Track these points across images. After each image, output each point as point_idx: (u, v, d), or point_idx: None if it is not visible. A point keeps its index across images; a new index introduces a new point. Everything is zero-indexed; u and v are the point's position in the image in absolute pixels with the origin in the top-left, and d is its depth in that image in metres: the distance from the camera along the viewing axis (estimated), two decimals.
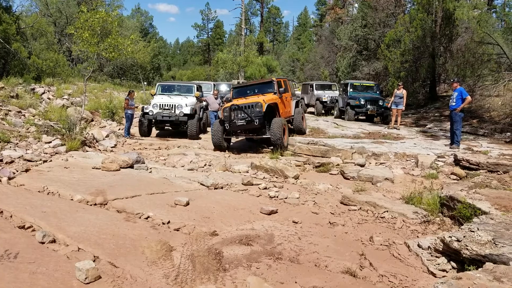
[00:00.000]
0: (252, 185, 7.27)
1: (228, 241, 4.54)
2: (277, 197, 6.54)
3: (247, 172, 8.51)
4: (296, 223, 5.31)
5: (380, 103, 17.19)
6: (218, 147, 11.07)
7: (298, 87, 29.57)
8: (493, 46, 15.79)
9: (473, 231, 3.99)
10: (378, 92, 18.57)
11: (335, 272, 3.91)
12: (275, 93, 11.75)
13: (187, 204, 5.75)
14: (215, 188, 7.00)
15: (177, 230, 4.84)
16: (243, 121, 10.70)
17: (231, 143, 11.95)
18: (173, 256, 4.09)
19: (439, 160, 8.88)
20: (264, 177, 8.05)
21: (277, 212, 5.73)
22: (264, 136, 10.74)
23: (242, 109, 10.73)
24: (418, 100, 21.82)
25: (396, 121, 14.91)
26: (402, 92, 14.39)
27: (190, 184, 7.16)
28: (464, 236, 3.94)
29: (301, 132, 12.92)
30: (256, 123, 10.55)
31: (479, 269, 3.31)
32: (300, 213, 5.77)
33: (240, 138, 11.94)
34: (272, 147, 10.55)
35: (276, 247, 4.45)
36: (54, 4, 32.34)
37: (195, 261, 3.99)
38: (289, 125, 12.49)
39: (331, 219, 5.51)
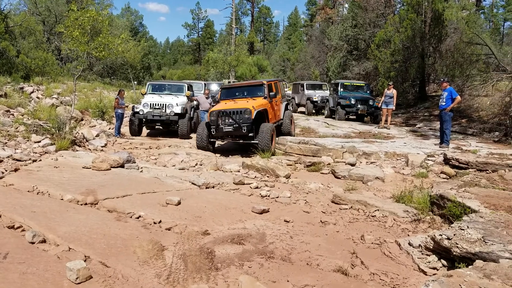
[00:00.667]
0: (244, 184, 7.27)
1: (220, 240, 4.54)
2: (268, 196, 6.54)
3: (239, 171, 8.50)
4: (288, 222, 5.32)
5: (371, 102, 17.30)
6: (202, 149, 10.90)
7: (288, 87, 29.68)
8: (482, 46, 15.93)
9: (463, 229, 4.03)
10: (368, 91, 18.67)
11: (327, 271, 3.93)
12: (265, 98, 11.38)
13: (179, 203, 5.73)
14: (206, 188, 6.98)
15: (169, 230, 4.82)
16: (230, 127, 10.33)
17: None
18: (165, 256, 4.07)
19: (429, 159, 8.95)
20: (255, 177, 8.05)
21: (268, 211, 5.73)
22: (251, 141, 10.41)
23: (230, 115, 10.35)
24: (408, 99, 22.01)
25: (386, 120, 15.00)
26: (392, 91, 14.48)
27: (182, 183, 7.13)
28: (454, 234, 3.98)
29: (289, 135, 12.77)
30: (244, 130, 10.22)
31: (469, 266, 3.34)
32: (291, 212, 5.78)
33: (226, 141, 11.77)
34: None
35: (268, 246, 4.45)
36: (43, 3, 32.03)
37: (187, 260, 3.98)
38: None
39: (323, 218, 5.52)
